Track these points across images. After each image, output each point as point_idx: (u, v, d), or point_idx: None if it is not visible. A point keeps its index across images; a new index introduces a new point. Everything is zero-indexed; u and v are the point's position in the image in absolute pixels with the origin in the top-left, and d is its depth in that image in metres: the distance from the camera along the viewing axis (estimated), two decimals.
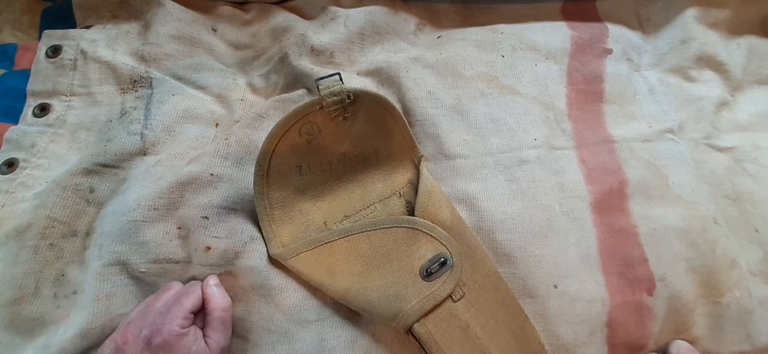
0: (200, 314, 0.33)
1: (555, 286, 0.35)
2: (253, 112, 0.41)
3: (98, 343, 0.31)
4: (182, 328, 0.30)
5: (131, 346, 0.29)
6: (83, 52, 0.42)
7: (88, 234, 0.36)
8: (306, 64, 0.44)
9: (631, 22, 0.52)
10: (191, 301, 0.31)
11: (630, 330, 0.35)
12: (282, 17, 0.47)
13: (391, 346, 0.34)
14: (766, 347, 0.36)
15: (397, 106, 0.43)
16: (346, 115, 0.37)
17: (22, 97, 0.41)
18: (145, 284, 0.34)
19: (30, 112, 0.40)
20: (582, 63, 0.47)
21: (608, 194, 0.39)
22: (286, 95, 0.43)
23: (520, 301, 0.35)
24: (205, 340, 0.31)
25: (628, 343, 0.35)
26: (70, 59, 0.42)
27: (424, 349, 0.31)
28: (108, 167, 0.37)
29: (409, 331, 0.31)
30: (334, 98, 0.35)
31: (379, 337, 0.34)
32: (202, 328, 0.32)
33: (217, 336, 0.31)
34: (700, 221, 0.38)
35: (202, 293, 0.33)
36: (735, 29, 0.51)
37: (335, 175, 0.39)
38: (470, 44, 0.48)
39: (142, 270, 0.33)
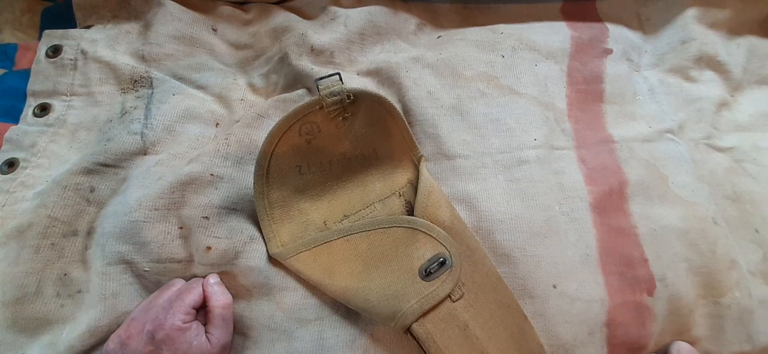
0: (202, 311, 0.33)
1: (554, 287, 0.35)
2: (253, 112, 0.42)
3: (104, 340, 0.32)
4: (184, 322, 0.30)
5: (135, 340, 0.29)
6: (83, 52, 0.42)
7: (89, 233, 0.36)
8: (306, 64, 0.44)
9: (631, 22, 0.52)
10: (192, 296, 0.32)
11: (629, 330, 0.35)
12: (282, 17, 0.47)
13: (389, 346, 0.34)
14: (767, 348, 0.36)
15: (397, 106, 0.43)
16: (345, 115, 0.37)
17: (22, 97, 0.41)
18: (149, 282, 0.34)
19: (30, 112, 0.41)
20: (582, 63, 0.47)
21: (608, 194, 0.39)
22: (286, 95, 0.43)
23: (520, 301, 0.35)
24: (206, 336, 0.31)
25: (627, 343, 0.35)
26: (71, 59, 0.42)
27: (422, 348, 0.31)
28: (108, 167, 0.37)
29: (408, 330, 0.31)
30: (334, 98, 0.36)
31: (377, 337, 0.34)
32: (204, 325, 0.32)
33: (219, 332, 0.31)
34: (700, 221, 0.38)
35: (203, 291, 0.33)
36: (735, 29, 0.51)
37: (335, 175, 0.39)
38: (470, 44, 0.48)
39: (145, 269, 0.34)
